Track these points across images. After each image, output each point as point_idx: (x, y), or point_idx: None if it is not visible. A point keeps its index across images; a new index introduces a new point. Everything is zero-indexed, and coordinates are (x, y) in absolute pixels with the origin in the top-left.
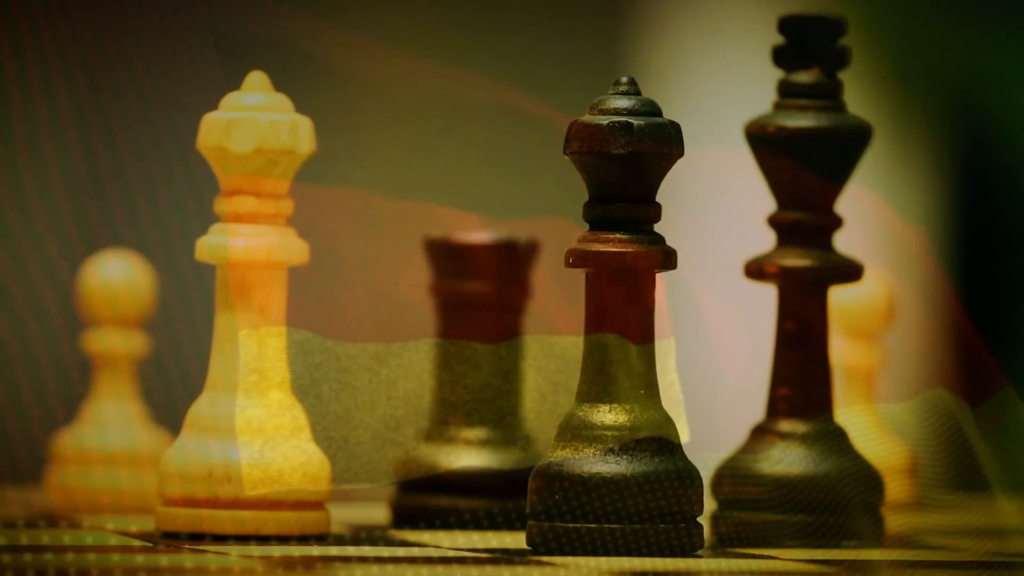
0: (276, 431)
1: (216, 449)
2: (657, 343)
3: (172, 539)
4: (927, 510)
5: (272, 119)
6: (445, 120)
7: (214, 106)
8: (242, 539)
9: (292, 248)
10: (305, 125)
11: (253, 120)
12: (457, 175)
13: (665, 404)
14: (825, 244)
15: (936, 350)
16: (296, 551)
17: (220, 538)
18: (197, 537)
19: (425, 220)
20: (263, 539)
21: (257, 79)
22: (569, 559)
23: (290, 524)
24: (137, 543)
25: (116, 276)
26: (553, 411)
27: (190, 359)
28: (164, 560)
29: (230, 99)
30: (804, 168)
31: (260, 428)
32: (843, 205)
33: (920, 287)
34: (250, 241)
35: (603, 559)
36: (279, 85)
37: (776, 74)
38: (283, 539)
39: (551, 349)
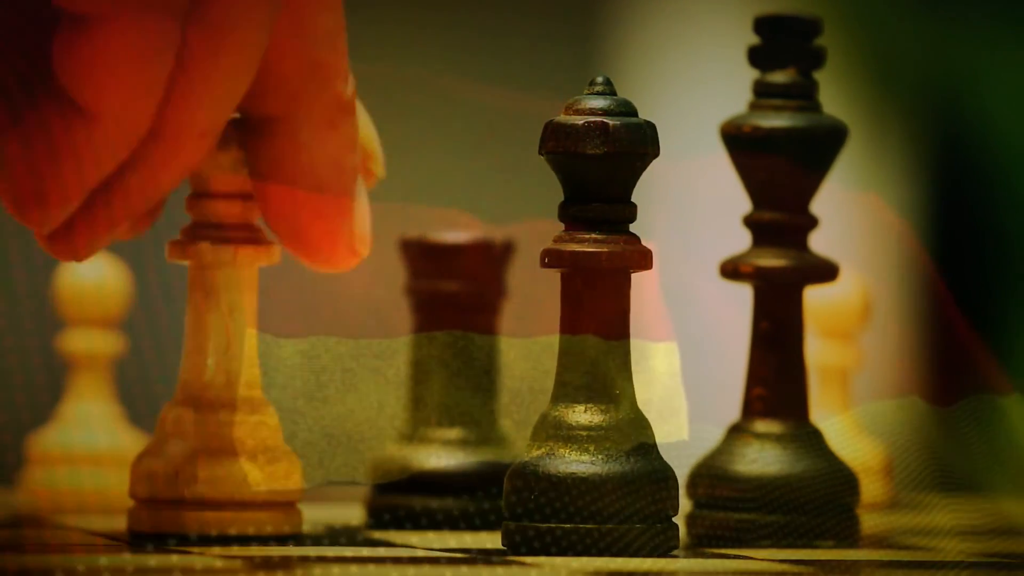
0: (244, 432)
1: (181, 450)
2: (660, 345)
3: (143, 539)
4: (902, 510)
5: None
6: (428, 118)
7: None
8: (207, 540)
9: (261, 249)
10: None
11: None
12: (440, 174)
13: (666, 403)
14: (800, 244)
15: (912, 350)
16: (272, 551)
17: (186, 539)
18: (162, 537)
19: (408, 220)
20: (234, 539)
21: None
22: (544, 559)
23: (258, 523)
24: (112, 543)
25: (90, 277)
26: (531, 411)
27: (166, 359)
28: (135, 561)
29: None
30: (780, 168)
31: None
32: (823, 204)
33: (900, 284)
34: (220, 242)
35: (579, 559)
36: None
37: (752, 74)
38: (247, 539)
39: (528, 349)
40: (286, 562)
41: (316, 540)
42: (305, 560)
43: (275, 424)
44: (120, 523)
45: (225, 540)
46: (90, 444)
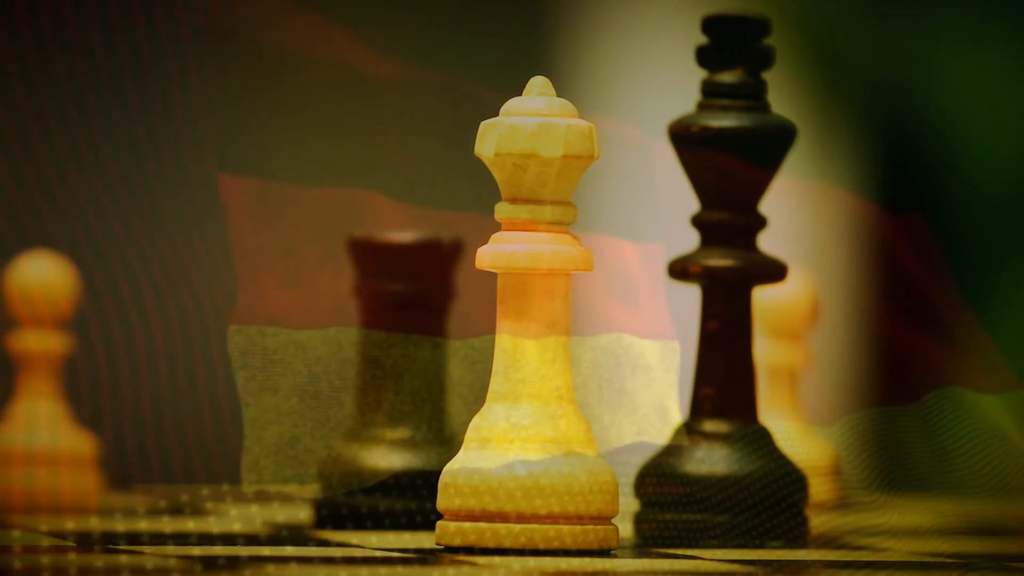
0: None
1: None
2: (663, 345)
3: (95, 540)
4: (851, 510)
5: (570, 124)
6: (379, 107)
7: (151, 101)
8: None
9: (572, 255)
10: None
11: (555, 126)
12: (390, 165)
13: (665, 398)
14: (749, 244)
15: (860, 350)
16: (218, 551)
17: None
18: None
19: (355, 212)
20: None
21: (541, 83)
22: (493, 559)
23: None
24: (60, 543)
25: (36, 277)
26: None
27: (115, 359)
28: (82, 560)
29: (518, 105)
30: (728, 168)
31: None
32: (769, 203)
33: (850, 283)
34: (531, 248)
35: (521, 558)
36: (227, 74)
37: (700, 74)
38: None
39: (475, 348)
40: (234, 562)
41: (256, 540)
42: (257, 560)
43: None
44: (67, 522)
45: (179, 539)
46: (37, 444)
